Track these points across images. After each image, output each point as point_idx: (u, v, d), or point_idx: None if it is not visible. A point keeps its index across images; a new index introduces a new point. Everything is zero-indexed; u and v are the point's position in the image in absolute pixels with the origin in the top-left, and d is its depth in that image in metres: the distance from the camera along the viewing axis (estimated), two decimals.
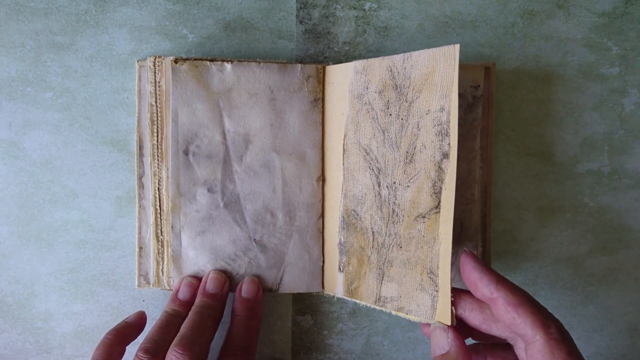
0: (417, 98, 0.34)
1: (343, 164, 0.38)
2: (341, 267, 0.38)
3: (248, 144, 0.39)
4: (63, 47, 0.40)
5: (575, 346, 0.29)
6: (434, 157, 0.33)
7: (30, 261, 0.41)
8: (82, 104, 0.41)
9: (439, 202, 0.33)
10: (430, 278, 0.33)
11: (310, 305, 0.43)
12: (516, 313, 0.29)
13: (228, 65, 0.38)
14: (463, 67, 0.38)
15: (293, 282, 0.40)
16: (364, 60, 0.37)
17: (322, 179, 0.40)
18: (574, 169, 0.42)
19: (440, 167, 0.33)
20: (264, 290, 0.39)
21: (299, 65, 0.39)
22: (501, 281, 0.31)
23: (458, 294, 0.33)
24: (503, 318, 0.30)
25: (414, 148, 0.34)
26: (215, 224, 0.39)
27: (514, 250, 0.42)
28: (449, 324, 0.32)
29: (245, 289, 0.38)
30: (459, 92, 0.38)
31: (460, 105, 0.38)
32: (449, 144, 0.32)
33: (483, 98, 0.39)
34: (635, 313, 0.42)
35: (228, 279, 0.39)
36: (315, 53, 0.41)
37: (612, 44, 0.41)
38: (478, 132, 0.39)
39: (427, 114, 0.33)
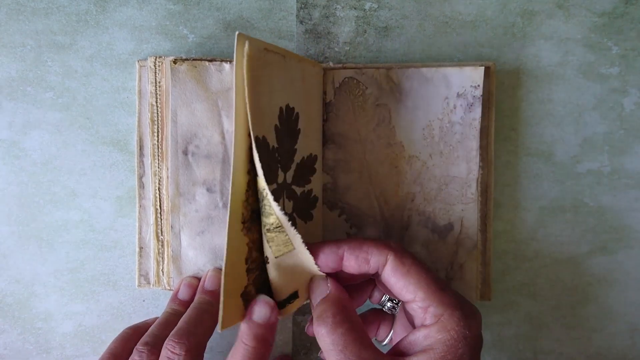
0: None
1: None
2: None
3: None
4: (63, 47, 0.40)
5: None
6: None
7: (30, 261, 0.41)
8: (83, 104, 0.41)
9: None
10: None
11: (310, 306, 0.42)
12: (363, 252, 0.32)
13: (226, 65, 0.38)
14: (463, 67, 0.38)
15: None
16: None
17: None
18: (574, 168, 0.41)
19: None
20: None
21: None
22: (339, 240, 0.33)
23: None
24: (354, 266, 0.32)
25: None
26: (215, 224, 0.39)
27: (514, 250, 0.42)
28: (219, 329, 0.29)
29: (258, 311, 0.32)
30: (459, 92, 0.38)
31: (460, 105, 0.38)
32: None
33: (483, 98, 0.39)
34: (635, 313, 0.42)
35: None
36: (316, 53, 0.41)
37: (612, 44, 0.41)
38: (478, 132, 0.39)
39: None
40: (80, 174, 0.41)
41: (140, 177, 0.40)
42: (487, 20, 0.41)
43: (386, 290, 0.35)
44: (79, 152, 0.41)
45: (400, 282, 0.31)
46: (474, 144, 0.39)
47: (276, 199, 0.30)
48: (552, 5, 0.41)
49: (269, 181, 0.30)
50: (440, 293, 0.31)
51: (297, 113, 0.35)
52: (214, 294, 0.37)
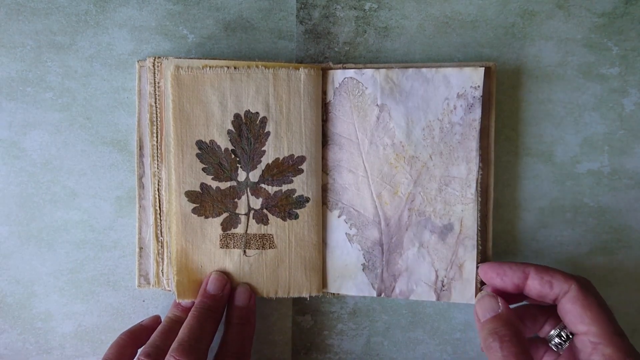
0: None
1: None
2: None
3: None
4: (63, 47, 0.40)
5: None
6: None
7: (30, 261, 0.41)
8: (82, 104, 0.41)
9: None
10: None
11: (310, 305, 0.43)
12: (550, 276, 0.34)
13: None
14: (463, 68, 0.38)
15: None
16: None
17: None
18: (574, 169, 0.41)
19: None
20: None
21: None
22: (526, 263, 0.36)
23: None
24: (537, 287, 0.34)
25: None
26: None
27: (514, 250, 0.42)
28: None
29: (238, 297, 0.38)
30: (459, 93, 0.38)
31: (460, 106, 0.38)
32: None
33: (483, 98, 0.39)
34: (635, 313, 0.42)
35: (229, 280, 0.39)
36: (316, 53, 0.41)
37: (612, 44, 0.41)
38: (478, 132, 0.39)
39: None
40: (80, 174, 0.41)
41: (140, 178, 0.40)
42: (487, 21, 0.41)
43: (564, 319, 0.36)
44: (79, 152, 0.41)
45: (578, 311, 0.33)
46: (474, 144, 0.39)
47: (235, 196, 0.38)
48: (552, 5, 0.41)
49: (222, 178, 0.38)
50: (614, 336, 0.31)
51: (264, 117, 0.38)
52: (215, 298, 0.37)
